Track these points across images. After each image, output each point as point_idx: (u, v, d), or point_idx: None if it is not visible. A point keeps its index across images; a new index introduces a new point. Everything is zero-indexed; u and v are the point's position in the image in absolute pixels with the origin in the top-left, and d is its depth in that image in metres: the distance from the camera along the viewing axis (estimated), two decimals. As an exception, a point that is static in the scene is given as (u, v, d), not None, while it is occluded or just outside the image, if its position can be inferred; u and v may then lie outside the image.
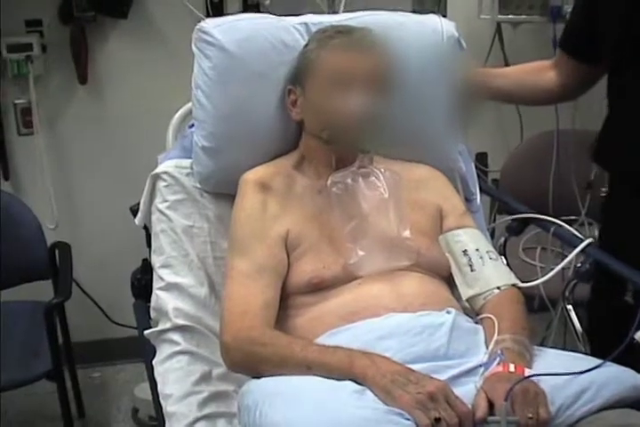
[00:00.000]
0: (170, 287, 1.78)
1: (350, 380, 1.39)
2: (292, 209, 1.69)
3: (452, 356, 1.48)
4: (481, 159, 3.03)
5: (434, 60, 1.85)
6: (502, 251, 2.09)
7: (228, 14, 2.59)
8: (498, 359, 1.46)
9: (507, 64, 2.85)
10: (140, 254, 1.93)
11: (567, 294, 1.78)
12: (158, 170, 1.87)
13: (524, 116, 2.92)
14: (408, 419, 1.30)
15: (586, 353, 1.81)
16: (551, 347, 1.65)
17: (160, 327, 1.76)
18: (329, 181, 1.65)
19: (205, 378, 1.67)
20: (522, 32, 2.78)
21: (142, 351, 1.78)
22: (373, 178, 1.67)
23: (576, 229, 2.17)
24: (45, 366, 2.14)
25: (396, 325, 1.52)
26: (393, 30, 1.82)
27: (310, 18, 1.86)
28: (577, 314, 1.85)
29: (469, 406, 1.35)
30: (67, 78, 2.67)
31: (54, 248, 2.45)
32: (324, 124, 1.65)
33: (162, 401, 1.66)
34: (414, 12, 2.67)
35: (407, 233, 1.64)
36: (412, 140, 1.84)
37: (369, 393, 1.35)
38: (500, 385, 1.36)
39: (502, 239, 2.07)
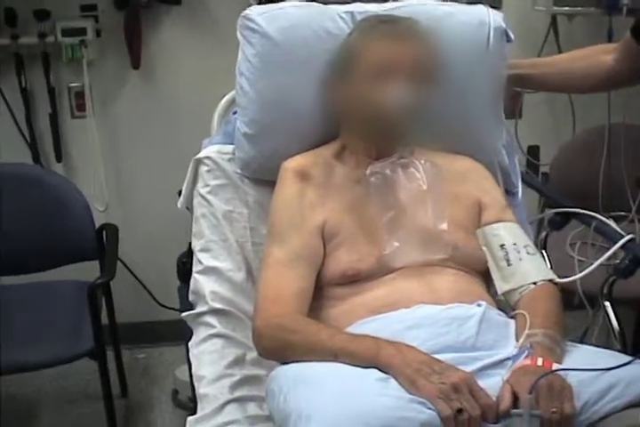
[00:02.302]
0: (208, 271, 1.80)
1: (376, 368, 1.39)
2: (330, 199, 1.69)
3: (480, 347, 1.48)
4: (532, 152, 3.01)
5: (479, 52, 1.83)
6: (544, 245, 2.06)
7: (279, 1, 2.64)
8: (526, 353, 1.45)
9: (561, 57, 2.83)
10: (188, 238, 1.95)
11: (606, 290, 1.75)
12: (201, 155, 1.89)
13: (577, 110, 2.88)
14: (431, 408, 1.30)
15: (621, 351, 1.79)
16: (592, 344, 1.63)
17: (197, 310, 1.79)
18: (368, 171, 1.65)
19: (239, 362, 1.69)
20: (577, 24, 2.75)
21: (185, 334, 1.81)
22: (413, 169, 1.67)
23: (626, 226, 2.14)
24: (87, 345, 2.18)
25: (425, 315, 1.52)
26: (438, 20, 1.81)
27: (356, 6, 1.85)
28: (615, 311, 1.82)
29: (494, 399, 1.34)
30: (120, 63, 2.71)
31: (102, 230, 2.49)
32: (364, 114, 1.65)
33: (195, 383, 1.69)
34: (469, 2, 2.68)
35: (444, 226, 1.64)
36: (454, 131, 1.82)
37: (393, 382, 1.36)
38: (525, 378, 1.35)
39: (544, 233, 2.04)
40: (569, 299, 1.92)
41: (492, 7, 2.68)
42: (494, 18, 1.87)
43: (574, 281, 1.71)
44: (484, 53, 1.84)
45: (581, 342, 1.91)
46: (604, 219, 1.78)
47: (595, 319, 1.89)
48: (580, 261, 1.96)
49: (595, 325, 1.89)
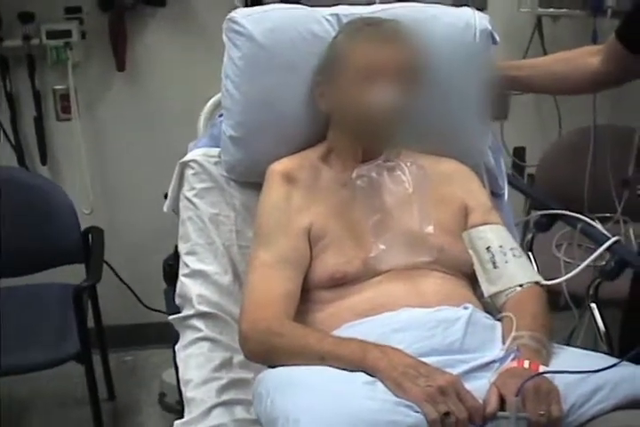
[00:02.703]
0: (194, 274, 1.80)
1: (363, 372, 1.39)
2: (317, 202, 1.69)
3: (466, 350, 1.48)
4: (518, 154, 3.02)
5: (465, 54, 1.83)
6: (530, 247, 2.07)
7: (265, 4, 2.64)
8: (513, 355, 1.45)
9: (546, 59, 2.84)
10: (174, 240, 1.94)
11: (592, 292, 1.75)
12: (186, 158, 1.88)
13: (563, 111, 2.89)
14: (418, 412, 1.30)
15: (607, 353, 1.79)
16: (578, 346, 1.63)
17: (183, 314, 1.78)
18: (354, 174, 1.65)
19: (225, 365, 1.69)
20: (562, 26, 2.75)
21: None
22: (399, 172, 1.67)
23: (611, 227, 2.14)
24: (74, 349, 2.17)
25: (412, 318, 1.52)
26: (424, 23, 1.81)
27: (342, 9, 1.85)
28: (601, 313, 1.83)
29: (480, 401, 1.34)
30: (105, 65, 2.70)
31: (88, 233, 2.49)
32: (351, 116, 1.65)
33: (182, 387, 1.69)
34: (455, 5, 2.68)
35: (430, 229, 1.64)
36: (440, 134, 1.83)
37: (380, 385, 1.36)
38: (512, 381, 1.35)
39: (530, 235, 2.05)
40: (555, 300, 1.92)
41: (478, 9, 2.72)
42: (480, 20, 1.87)
43: (560, 282, 1.71)
44: (470, 55, 1.84)
45: (568, 343, 1.93)
46: (589, 220, 1.78)
47: (581, 321, 1.89)
48: (566, 262, 1.96)
49: (581, 326, 1.89)
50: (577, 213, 2.47)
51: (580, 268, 1.67)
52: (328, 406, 1.27)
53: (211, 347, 1.72)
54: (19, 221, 2.42)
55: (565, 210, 2.44)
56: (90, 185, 2.78)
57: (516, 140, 2.98)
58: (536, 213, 1.96)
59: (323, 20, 1.80)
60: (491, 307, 1.68)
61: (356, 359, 1.40)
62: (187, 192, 1.86)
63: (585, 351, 1.57)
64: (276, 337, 1.51)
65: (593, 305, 1.82)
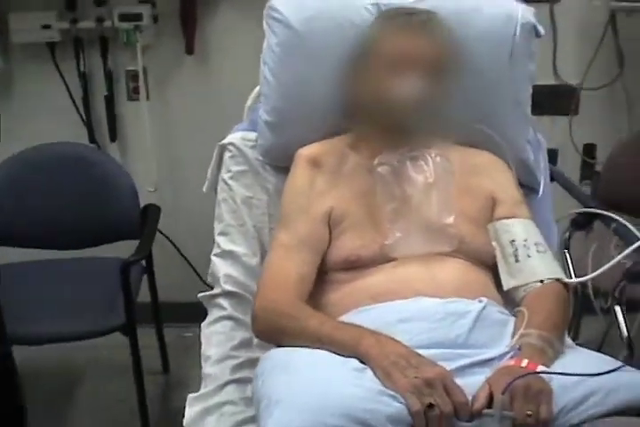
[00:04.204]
0: (224, 254, 1.86)
1: (356, 358, 1.40)
2: (340, 187, 1.71)
3: (471, 345, 1.47)
4: (588, 151, 2.94)
5: (504, 47, 1.81)
6: (567, 245, 2.02)
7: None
8: (512, 353, 1.44)
9: (620, 54, 2.75)
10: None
11: (617, 294, 1.71)
12: (225, 141, 1.94)
13: (636, 108, 2.80)
14: (401, 402, 1.30)
15: (629, 357, 1.74)
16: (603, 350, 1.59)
17: (212, 292, 1.84)
18: (375, 161, 1.66)
19: (245, 344, 1.74)
20: (636, 21, 2.66)
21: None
22: (422, 162, 1.66)
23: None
24: (120, 320, 2.26)
25: (421, 309, 1.52)
26: (464, 14, 1.80)
27: (382, -2, 1.85)
28: (624, 316, 1.78)
29: (469, 397, 1.34)
30: (175, 48, 2.77)
31: (146, 210, 2.57)
32: (376, 105, 1.66)
33: (202, 362, 1.75)
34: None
35: (450, 220, 1.63)
36: (475, 127, 1.81)
37: (369, 373, 1.37)
38: (504, 378, 1.34)
39: (567, 233, 2.00)
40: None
41: (550, 1, 2.68)
42: (523, 13, 1.84)
43: (587, 282, 1.68)
44: (509, 48, 1.81)
45: (600, 346, 1.88)
46: (622, 221, 1.74)
47: (611, 324, 1.85)
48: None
49: (611, 329, 1.85)
50: (638, 212, 2.43)
51: (603, 268, 1.63)
52: (310, 389, 1.29)
53: (233, 326, 1.78)
54: (82, 197, 2.53)
55: (627, 209, 2.40)
56: (155, 164, 2.86)
57: (586, 136, 2.91)
58: (573, 211, 1.92)
59: (362, 10, 1.81)
60: (511, 301, 1.67)
61: (350, 345, 1.42)
62: (224, 174, 1.92)
63: (596, 354, 1.53)
64: (282, 318, 1.54)
65: (617, 308, 1.78)
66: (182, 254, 3.00)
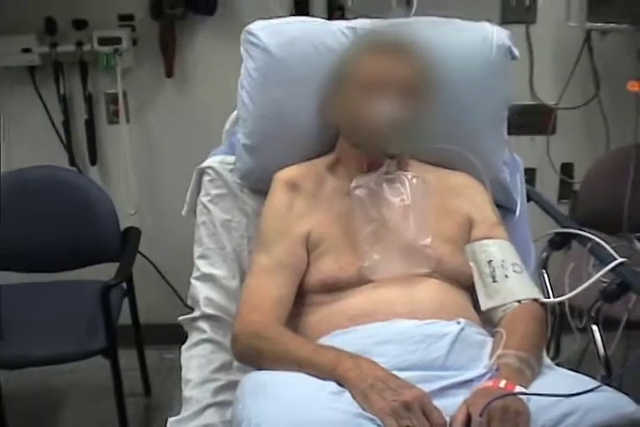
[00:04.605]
0: (204, 277, 1.86)
1: (335, 381, 1.41)
2: (318, 209, 1.72)
3: (449, 367, 1.48)
4: (566, 170, 2.98)
5: (480, 69, 1.83)
6: (544, 265, 2.04)
7: (313, 15, 2.67)
8: (489, 374, 1.45)
9: (595, 73, 2.79)
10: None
11: (593, 313, 1.72)
12: (204, 164, 1.95)
13: (612, 127, 2.83)
14: (380, 425, 1.31)
15: (607, 376, 1.76)
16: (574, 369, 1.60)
17: (192, 315, 1.85)
18: (353, 184, 1.67)
19: (225, 367, 1.74)
20: (611, 41, 2.70)
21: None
22: (398, 184, 1.67)
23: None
24: (101, 344, 2.25)
25: (399, 331, 1.53)
26: (440, 37, 1.82)
27: (359, 22, 1.88)
28: (601, 335, 1.79)
29: (448, 418, 1.35)
30: (154, 71, 2.79)
31: (127, 233, 2.57)
32: (353, 127, 1.67)
33: (182, 386, 1.74)
34: (504, 21, 2.68)
35: (427, 241, 1.64)
36: (450, 148, 1.83)
37: (347, 395, 1.37)
38: (482, 400, 1.34)
39: (545, 254, 2.02)
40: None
41: (526, 22, 2.72)
42: (498, 35, 1.86)
43: (563, 302, 1.69)
44: (485, 70, 1.84)
45: (578, 365, 1.89)
46: (598, 240, 1.75)
47: (589, 343, 1.86)
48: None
49: (590, 348, 1.86)
50: (617, 231, 2.45)
51: (580, 288, 1.65)
52: (289, 413, 1.29)
53: (213, 349, 1.78)
54: (62, 220, 2.52)
55: (604, 228, 2.42)
56: (136, 187, 2.87)
57: (564, 156, 2.94)
58: (550, 231, 1.93)
59: (339, 34, 1.84)
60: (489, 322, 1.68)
61: (328, 368, 1.42)
62: (202, 197, 1.93)
63: (574, 374, 1.53)
64: (261, 341, 1.55)
65: (594, 327, 1.79)
66: (163, 277, 3.00)
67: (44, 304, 2.47)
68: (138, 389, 2.81)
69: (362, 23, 1.88)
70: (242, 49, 1.87)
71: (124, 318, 2.60)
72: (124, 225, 2.61)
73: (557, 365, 1.65)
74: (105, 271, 2.56)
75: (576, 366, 1.92)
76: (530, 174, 2.92)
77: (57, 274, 2.58)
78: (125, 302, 2.60)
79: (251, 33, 1.84)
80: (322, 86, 1.78)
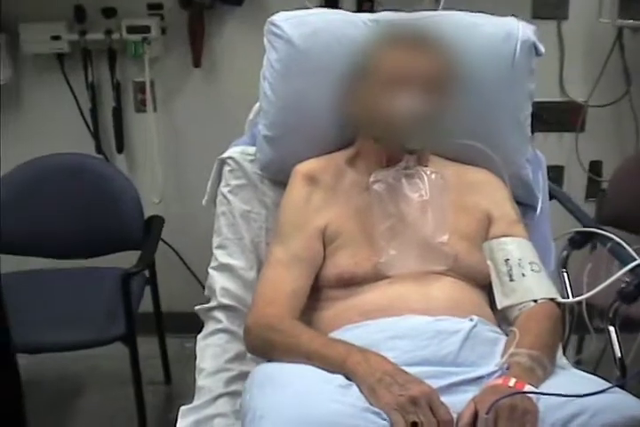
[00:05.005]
0: (221, 267, 1.87)
1: (343, 375, 1.41)
2: (336, 203, 1.71)
3: (460, 363, 1.48)
4: (594, 168, 2.94)
5: (504, 64, 1.81)
6: (564, 264, 2.02)
7: (342, 7, 2.66)
8: (500, 372, 1.44)
9: (626, 70, 2.75)
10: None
11: (611, 314, 1.70)
12: (225, 155, 1.95)
13: (643, 124, 2.80)
14: (385, 420, 1.31)
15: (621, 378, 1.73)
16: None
17: (208, 305, 1.86)
18: (371, 178, 1.66)
19: (239, 357, 1.75)
20: (642, 38, 2.67)
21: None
22: (417, 180, 1.66)
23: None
24: (120, 330, 2.27)
25: (411, 326, 1.52)
26: (463, 31, 1.81)
27: (383, 15, 1.87)
28: (617, 336, 1.77)
29: (454, 415, 1.34)
30: (182, 60, 2.79)
31: (150, 221, 2.59)
32: (373, 121, 1.66)
33: (196, 375, 1.75)
34: (535, 16, 2.65)
35: (444, 238, 1.63)
36: (471, 144, 1.81)
37: (355, 389, 1.37)
38: (490, 398, 1.34)
39: (565, 253, 2.00)
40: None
41: (558, 18, 2.69)
42: (523, 30, 1.84)
43: (581, 302, 1.67)
44: (509, 66, 1.82)
45: (596, 366, 1.87)
46: (618, 240, 1.73)
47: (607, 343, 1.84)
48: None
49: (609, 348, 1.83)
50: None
51: (597, 289, 1.62)
52: (294, 405, 1.29)
53: (228, 339, 1.79)
54: (86, 207, 2.54)
55: (631, 228, 2.39)
56: (161, 175, 2.88)
57: (593, 154, 2.91)
58: (571, 230, 1.91)
59: (362, 26, 1.83)
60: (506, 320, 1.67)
61: (337, 362, 1.42)
62: (223, 188, 1.93)
63: (587, 375, 1.52)
64: (273, 333, 1.55)
65: (611, 328, 1.77)
66: (187, 265, 3.01)
67: (65, 290, 2.48)
68: (158, 377, 2.83)
69: (385, 15, 1.87)
70: (265, 40, 1.86)
71: (147, 305, 2.62)
72: (148, 213, 2.61)
73: (577, 363, 1.63)
74: (129, 259, 2.58)
75: (595, 367, 1.91)
76: (557, 172, 2.91)
77: (81, 261, 2.60)
78: (147, 289, 2.62)
79: (274, 24, 1.84)
80: (344, 79, 1.77)
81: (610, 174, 2.76)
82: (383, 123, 1.63)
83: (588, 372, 1.54)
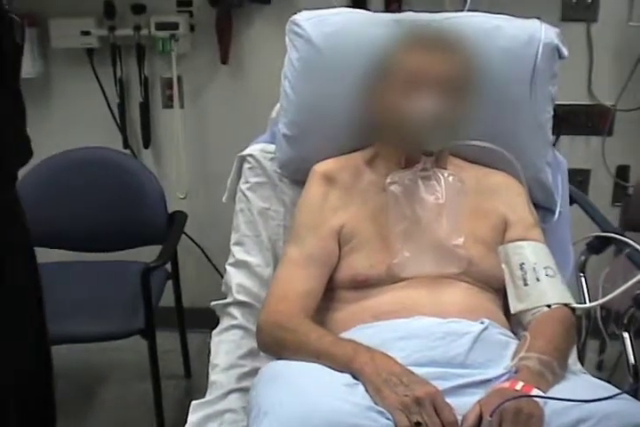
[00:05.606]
0: (238, 264, 1.89)
1: (350, 374, 1.41)
2: (353, 204, 1.72)
3: (469, 365, 1.48)
4: (621, 172, 2.91)
5: (526, 67, 1.80)
6: (582, 269, 2.00)
7: (369, 7, 2.66)
8: (507, 375, 1.44)
9: (656, 75, 2.73)
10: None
11: (625, 320, 1.69)
12: (245, 152, 1.96)
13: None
14: (389, 419, 1.31)
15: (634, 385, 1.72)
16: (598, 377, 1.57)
17: (224, 301, 1.87)
18: (388, 180, 1.66)
19: (253, 354, 1.76)
20: (673, 42, 2.63)
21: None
22: (434, 182, 1.66)
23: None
24: (139, 324, 2.29)
25: (421, 327, 1.53)
26: (485, 33, 1.80)
27: (405, 15, 1.87)
28: (632, 343, 1.75)
29: (459, 417, 1.34)
30: (210, 57, 2.80)
31: (173, 216, 2.61)
32: (391, 122, 1.66)
33: (209, 370, 1.77)
34: (567, 19, 2.63)
35: (459, 241, 1.63)
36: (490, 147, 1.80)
37: (360, 389, 1.38)
38: (495, 400, 1.34)
39: (583, 257, 1.98)
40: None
41: (587, 21, 2.66)
42: (546, 33, 1.83)
43: (593, 308, 1.66)
44: (530, 69, 1.81)
45: (613, 371, 1.86)
46: (637, 246, 1.71)
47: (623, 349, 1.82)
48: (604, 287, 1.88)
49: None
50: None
51: (611, 295, 1.60)
52: (298, 403, 1.30)
53: (242, 335, 1.81)
54: (111, 201, 2.57)
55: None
56: (187, 171, 2.90)
57: (620, 158, 2.88)
58: (590, 235, 1.90)
59: (383, 26, 1.82)
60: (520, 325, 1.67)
61: (345, 361, 1.43)
62: (242, 185, 1.95)
63: (597, 381, 1.51)
64: (283, 331, 1.56)
65: (625, 334, 1.75)
66: (210, 261, 3.03)
67: (87, 282, 2.52)
68: (179, 371, 2.85)
69: (407, 16, 1.87)
70: (286, 39, 1.87)
71: (169, 300, 2.64)
72: (173, 208, 2.64)
73: (598, 367, 1.61)
74: (154, 253, 2.61)
75: (611, 372, 1.90)
76: (584, 176, 2.89)
77: (104, 254, 2.63)
78: (170, 284, 2.65)
79: (295, 23, 1.85)
80: (364, 79, 1.77)
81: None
82: (401, 124, 1.62)
83: (605, 377, 1.53)
